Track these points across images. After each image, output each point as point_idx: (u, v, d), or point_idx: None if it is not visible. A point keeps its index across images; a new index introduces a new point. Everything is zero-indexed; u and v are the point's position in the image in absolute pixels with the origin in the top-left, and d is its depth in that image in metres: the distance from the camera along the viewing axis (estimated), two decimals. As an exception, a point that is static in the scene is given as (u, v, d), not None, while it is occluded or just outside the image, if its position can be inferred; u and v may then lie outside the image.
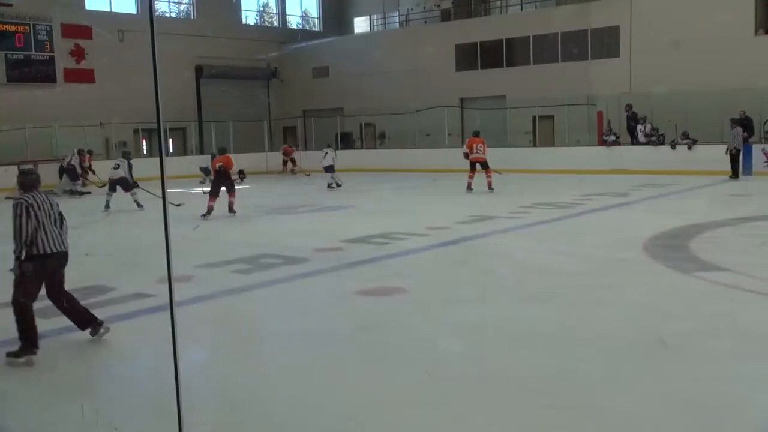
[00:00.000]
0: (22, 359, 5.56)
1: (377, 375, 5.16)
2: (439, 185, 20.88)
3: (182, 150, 30.83)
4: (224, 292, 7.99)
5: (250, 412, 4.60)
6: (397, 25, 34.72)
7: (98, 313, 6.93)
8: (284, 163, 28.32)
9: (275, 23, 36.44)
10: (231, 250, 10.56)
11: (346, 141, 30.96)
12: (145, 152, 28.79)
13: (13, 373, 5.48)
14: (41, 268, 5.69)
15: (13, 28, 26.33)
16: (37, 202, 5.67)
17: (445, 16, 31.94)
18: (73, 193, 21.15)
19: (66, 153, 22.54)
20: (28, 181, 5.84)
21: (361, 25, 36.64)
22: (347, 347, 5.86)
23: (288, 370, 5.35)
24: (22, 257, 5.60)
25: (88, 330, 6.11)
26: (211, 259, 9.63)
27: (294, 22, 37.24)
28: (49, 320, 6.86)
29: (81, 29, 27.83)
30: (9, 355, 5.59)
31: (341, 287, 8.17)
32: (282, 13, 36.35)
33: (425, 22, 32.83)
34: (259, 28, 35.18)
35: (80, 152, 22.07)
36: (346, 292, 7.74)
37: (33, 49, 26.86)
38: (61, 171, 22.12)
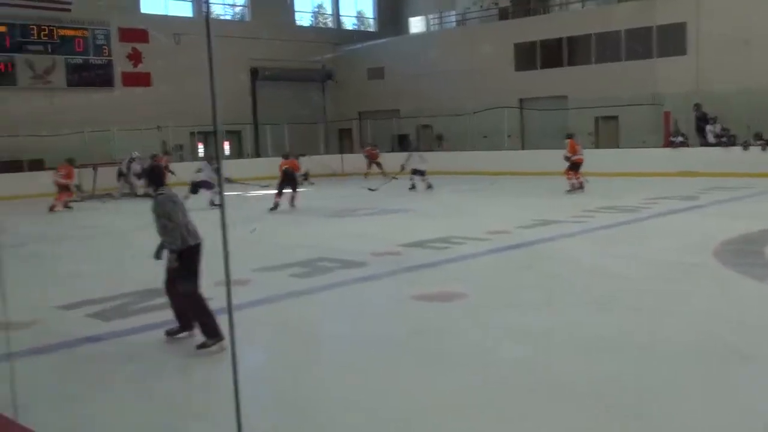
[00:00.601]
0: (215, 347, 5.87)
1: (434, 381, 5.13)
2: (498, 188, 20.73)
3: (238, 153, 31.32)
4: (281, 295, 8.07)
5: (305, 416, 4.63)
6: (454, 24, 34.61)
7: (156, 317, 7.11)
8: (369, 165, 26.84)
9: (330, 24, 36.71)
10: (288, 253, 10.65)
11: (403, 143, 31.00)
12: (200, 155, 29.30)
13: (82, 376, 5.63)
14: (197, 257, 6.03)
15: (73, 32, 27.19)
16: (175, 195, 6.06)
17: (503, 14, 31.72)
18: (132, 195, 21.81)
19: (123, 156, 23.13)
20: (158, 176, 6.22)
21: (416, 25, 36.65)
22: (404, 353, 5.85)
23: (344, 375, 5.37)
24: (179, 249, 5.90)
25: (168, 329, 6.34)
26: (268, 263, 9.73)
27: (349, 22, 37.49)
28: (109, 323, 7.05)
29: (138, 33, 28.55)
30: (200, 347, 5.89)
31: (399, 292, 8.16)
32: (336, 14, 36.62)
33: (482, 21, 32.66)
34: (314, 30, 35.50)
35: (153, 156, 22.57)
36: (404, 297, 7.73)
37: (91, 54, 27.69)
38: (119, 174, 22.75)
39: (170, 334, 6.29)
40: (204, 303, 6.02)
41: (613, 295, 7.44)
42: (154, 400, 5.04)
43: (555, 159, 18.75)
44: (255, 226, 13.26)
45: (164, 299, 7.84)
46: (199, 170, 17.82)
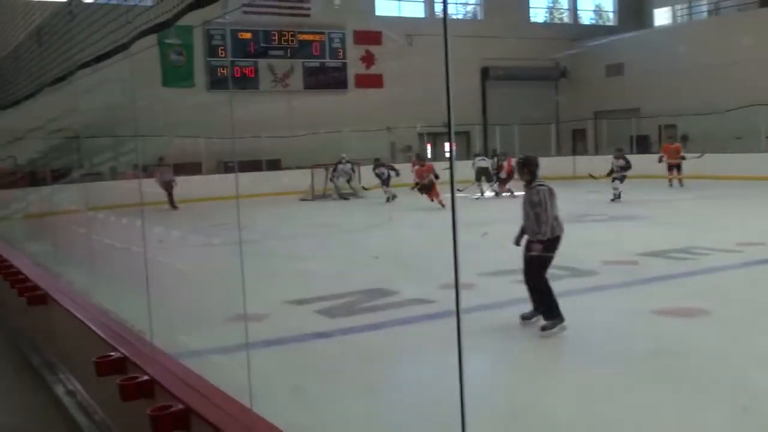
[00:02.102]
0: (555, 329, 6.48)
1: (679, 406, 4.85)
2: (752, 195, 19.17)
3: (466, 154, 31.61)
4: (506, 302, 8.03)
5: (534, 430, 4.58)
6: (705, 14, 32.53)
7: (380, 317, 7.39)
8: (670, 168, 22.38)
9: (566, 20, 36.03)
10: (515, 259, 10.51)
11: (642, 144, 29.64)
12: (429, 156, 29.96)
13: (310, 370, 5.99)
14: (556, 247, 6.63)
15: (311, 37, 29.04)
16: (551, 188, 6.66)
17: (765, 1, 29.28)
18: (343, 197, 23.10)
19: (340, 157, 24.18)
20: (535, 168, 6.80)
21: (662, 17, 34.92)
22: (641, 372, 5.59)
23: (575, 391, 5.24)
24: (544, 239, 6.52)
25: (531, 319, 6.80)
26: (494, 268, 9.71)
27: (586, 17, 36.55)
28: (336, 320, 7.43)
29: (371, 35, 29.87)
30: (544, 329, 6.50)
31: (634, 305, 7.82)
32: (573, 8, 35.86)
33: (740, 9, 30.37)
34: (548, 26, 35.02)
35: (502, 154, 22.53)
36: (640, 311, 7.39)
37: (327, 57, 29.40)
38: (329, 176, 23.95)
39: (525, 318, 6.80)
40: (550, 288, 6.57)
41: None
42: (375, 399, 5.23)
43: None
44: (486, 230, 13.23)
45: (387, 299, 8.20)
46: (482, 159, 20.43)
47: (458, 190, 18.26)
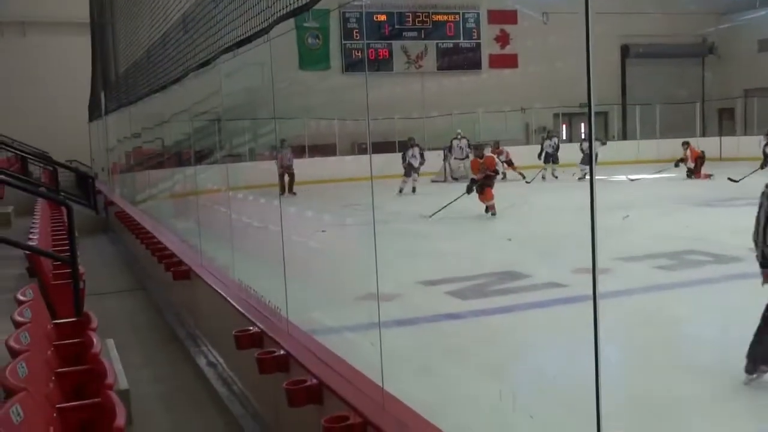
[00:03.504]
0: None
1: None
2: None
3: (603, 135, 30.67)
4: (642, 288, 7.81)
5: (659, 424, 4.43)
6: None
7: (511, 300, 7.33)
8: None
9: (715, -8, 34.21)
10: (655, 243, 10.24)
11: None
12: (564, 137, 29.29)
13: (441, 351, 6.03)
14: None
15: (445, 18, 28.96)
16: None
17: None
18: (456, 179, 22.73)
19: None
20: None
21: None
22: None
23: (713, 387, 5.01)
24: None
25: None
26: (631, 252, 9.42)
27: (738, -11, 34.55)
28: (467, 302, 7.44)
29: (506, 14, 29.44)
30: None
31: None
32: (723, -20, 33.96)
33: None
34: (696, 0, 33.31)
35: (684, 143, 21.34)
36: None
37: (461, 38, 29.23)
38: (445, 157, 23.51)
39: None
40: None
41: None
42: (506, 382, 5.21)
43: None
44: (627, 213, 12.84)
45: (519, 282, 8.11)
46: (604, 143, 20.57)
47: (527, 182, 17.87)
